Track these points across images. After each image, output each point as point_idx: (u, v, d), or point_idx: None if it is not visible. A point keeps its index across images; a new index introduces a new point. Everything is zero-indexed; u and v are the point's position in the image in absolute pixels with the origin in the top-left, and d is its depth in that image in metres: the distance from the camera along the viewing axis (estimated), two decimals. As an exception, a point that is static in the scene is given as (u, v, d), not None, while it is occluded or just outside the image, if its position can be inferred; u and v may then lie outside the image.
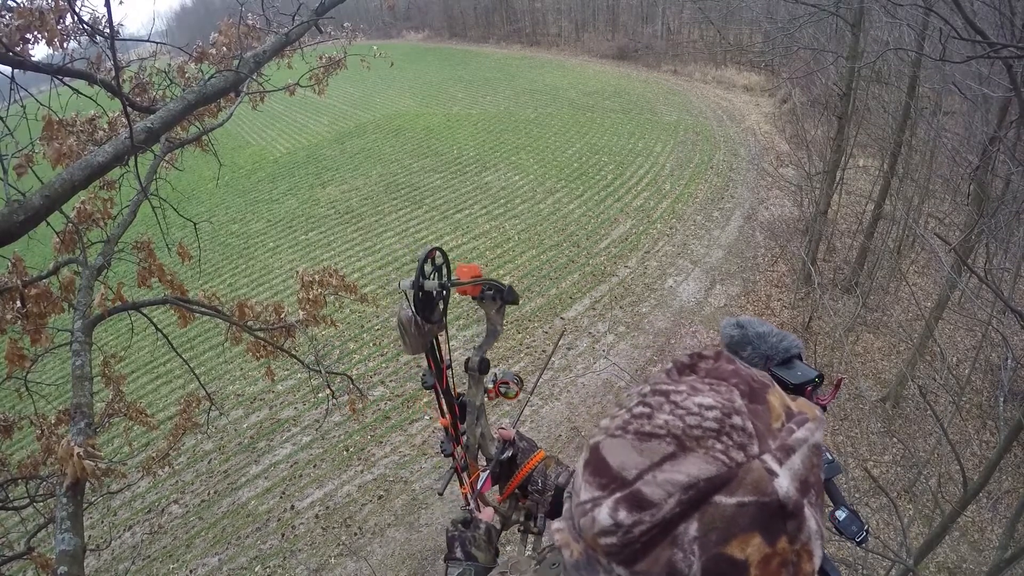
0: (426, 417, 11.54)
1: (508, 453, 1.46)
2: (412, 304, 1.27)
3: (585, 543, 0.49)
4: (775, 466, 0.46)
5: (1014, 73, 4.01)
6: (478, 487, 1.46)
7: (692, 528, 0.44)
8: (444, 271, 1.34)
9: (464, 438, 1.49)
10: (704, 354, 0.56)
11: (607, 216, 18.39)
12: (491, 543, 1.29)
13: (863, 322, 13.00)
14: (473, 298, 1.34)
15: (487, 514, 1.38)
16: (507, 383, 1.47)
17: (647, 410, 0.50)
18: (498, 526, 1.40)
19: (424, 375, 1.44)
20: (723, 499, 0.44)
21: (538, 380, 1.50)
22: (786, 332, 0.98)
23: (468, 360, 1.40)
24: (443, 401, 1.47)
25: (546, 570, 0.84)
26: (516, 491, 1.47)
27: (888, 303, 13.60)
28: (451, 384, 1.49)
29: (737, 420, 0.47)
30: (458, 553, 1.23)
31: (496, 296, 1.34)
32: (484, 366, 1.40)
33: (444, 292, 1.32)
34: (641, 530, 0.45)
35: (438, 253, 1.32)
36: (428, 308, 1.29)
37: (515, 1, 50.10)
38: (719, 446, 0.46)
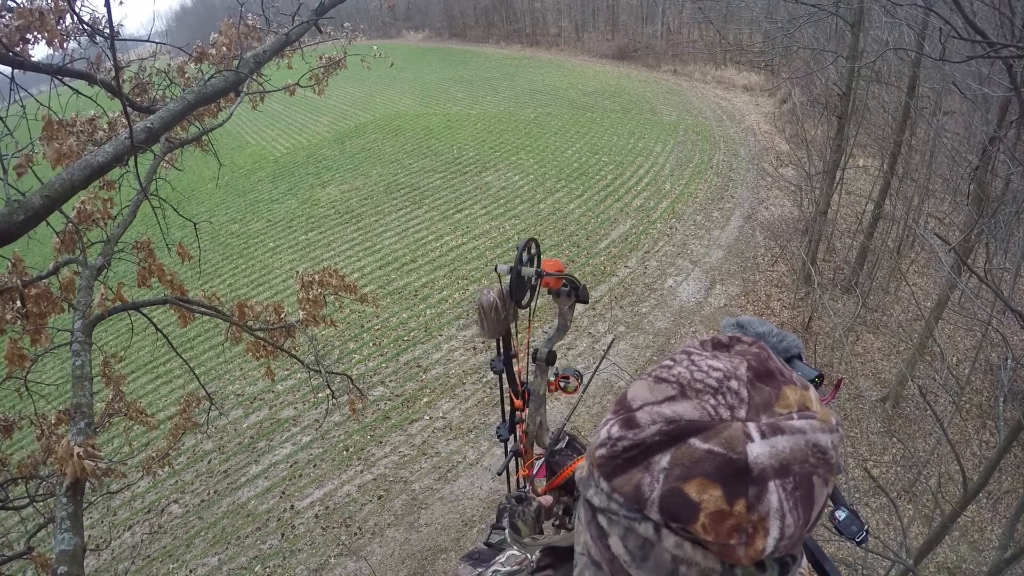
0: (426, 417, 11.54)
1: (561, 444, 1.51)
2: (509, 287, 1.33)
3: (589, 458, 0.56)
4: (755, 434, 0.49)
5: (1014, 73, 4.01)
6: (534, 472, 1.51)
7: (664, 460, 0.49)
8: (536, 261, 1.38)
9: (526, 424, 1.53)
10: (743, 339, 0.61)
11: (607, 216, 18.38)
12: (538, 522, 1.35)
13: (863, 322, 13.00)
14: (549, 291, 1.39)
15: (546, 500, 1.43)
16: (567, 378, 1.53)
17: (671, 363, 0.58)
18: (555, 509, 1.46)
19: (493, 360, 1.50)
20: (697, 442, 0.49)
21: (589, 382, 1.56)
22: (786, 332, 0.98)
23: (536, 351, 1.47)
24: (507, 387, 1.53)
25: (568, 536, 0.90)
26: (560, 488, 1.52)
27: (888, 303, 13.59)
28: (520, 371, 1.54)
29: (734, 384, 0.52)
30: (504, 523, 1.28)
31: (571, 292, 1.39)
32: (551, 358, 1.48)
33: (538, 279, 1.37)
34: (624, 446, 0.51)
35: (533, 244, 1.36)
36: (520, 292, 1.35)
37: (515, 1, 50.04)
38: (712, 401, 0.51)
